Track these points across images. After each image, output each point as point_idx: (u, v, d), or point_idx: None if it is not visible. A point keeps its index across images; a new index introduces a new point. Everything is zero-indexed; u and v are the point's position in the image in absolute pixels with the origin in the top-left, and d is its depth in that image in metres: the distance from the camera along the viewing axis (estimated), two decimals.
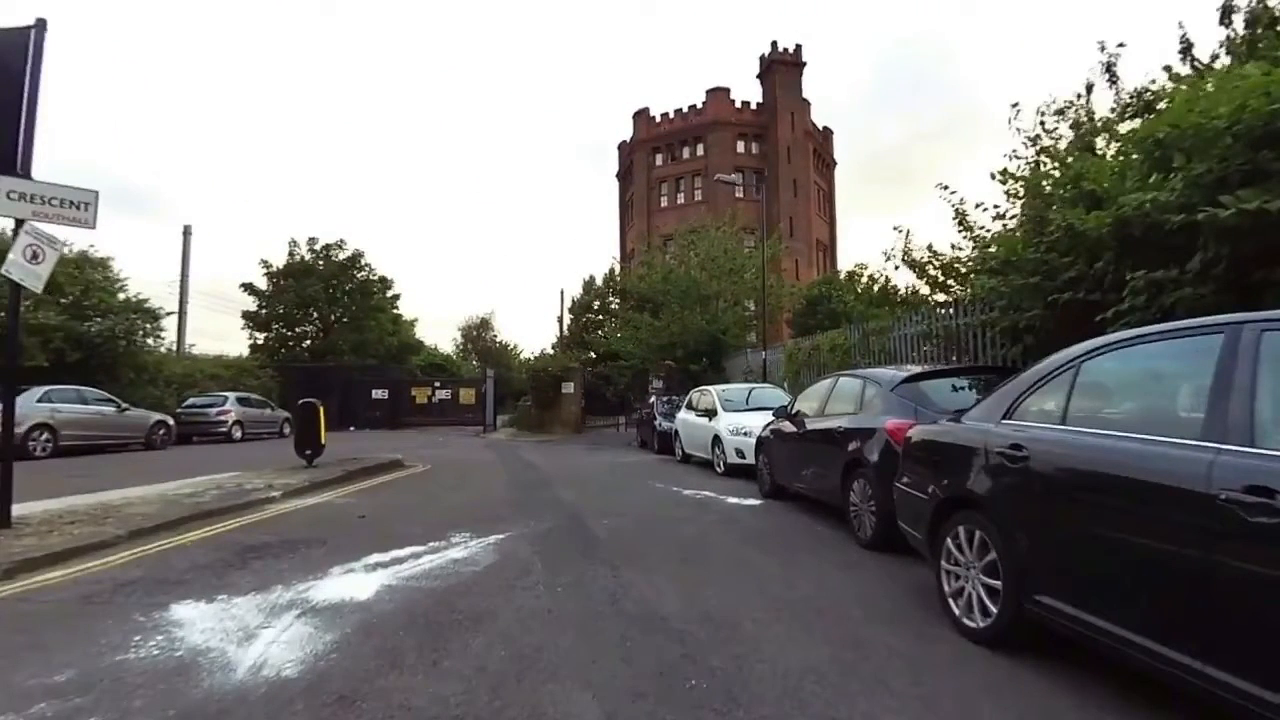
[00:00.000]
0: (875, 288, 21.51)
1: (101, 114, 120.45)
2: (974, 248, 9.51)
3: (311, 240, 34.92)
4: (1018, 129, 9.40)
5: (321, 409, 11.07)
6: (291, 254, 34.63)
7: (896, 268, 10.76)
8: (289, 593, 4.29)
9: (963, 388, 5.94)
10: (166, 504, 7.26)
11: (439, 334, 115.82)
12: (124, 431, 17.01)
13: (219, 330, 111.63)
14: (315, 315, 35.22)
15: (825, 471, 6.89)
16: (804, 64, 53.13)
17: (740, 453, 11.05)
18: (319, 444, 10.90)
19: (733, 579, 4.74)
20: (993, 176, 8.48)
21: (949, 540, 3.86)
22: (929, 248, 9.88)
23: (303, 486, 8.75)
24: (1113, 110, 8.81)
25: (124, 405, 17.01)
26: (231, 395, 21.91)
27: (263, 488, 8.40)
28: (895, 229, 11.07)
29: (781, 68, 51.90)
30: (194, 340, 41.46)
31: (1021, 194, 7.71)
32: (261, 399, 24.02)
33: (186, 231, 35.03)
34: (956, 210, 10.25)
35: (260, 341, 34.48)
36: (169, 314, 21.48)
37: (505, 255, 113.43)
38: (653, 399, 19.26)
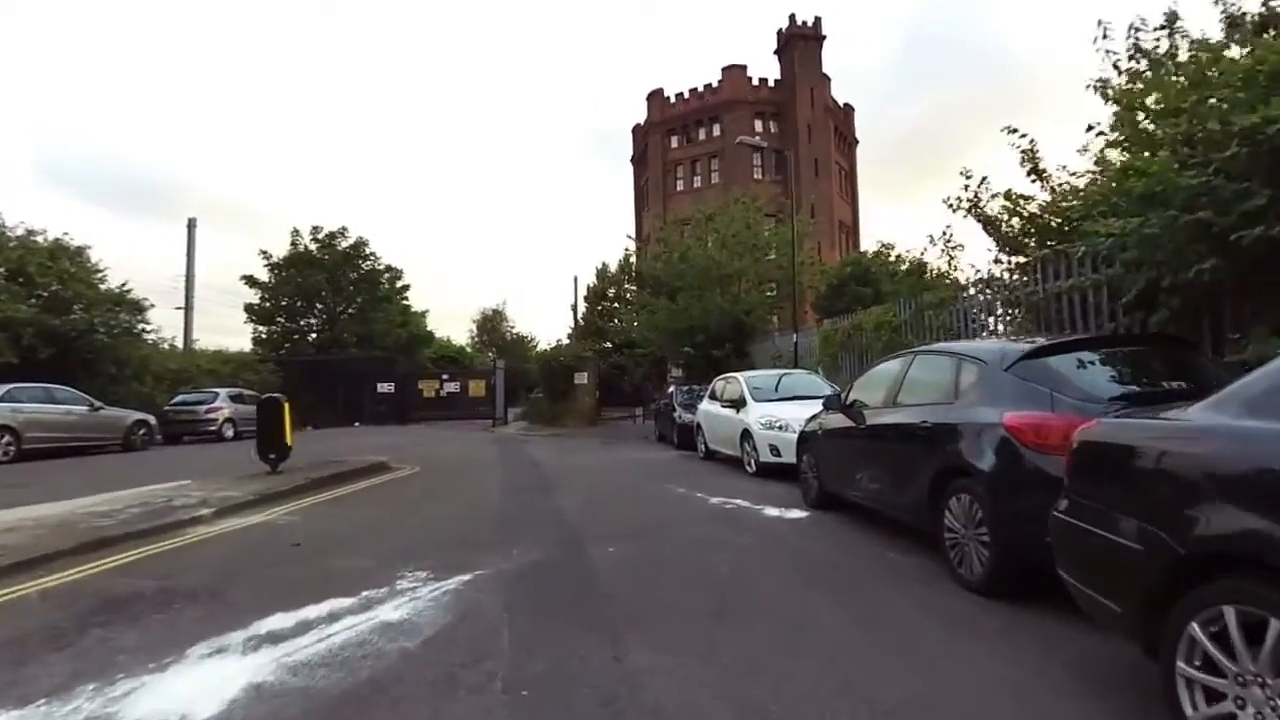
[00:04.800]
0: (904, 268, 19.48)
1: (106, 111, 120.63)
2: (1056, 198, 7.80)
3: (315, 229, 33.56)
4: (1107, 51, 7.65)
5: (287, 405, 9.55)
6: (294, 243, 33.30)
7: (960, 214, 8.89)
8: (96, 700, 2.71)
9: (1113, 366, 4.22)
10: (58, 528, 5.75)
11: (455, 327, 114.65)
12: (98, 432, 15.70)
13: (228, 325, 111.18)
14: (320, 307, 33.92)
15: (901, 481, 5.21)
16: (824, 37, 51.01)
17: (775, 450, 9.40)
18: (284, 446, 9.38)
19: (794, 656, 3.10)
20: (1095, 88, 6.83)
21: (1196, 626, 2.18)
22: (1009, 195, 8.11)
23: (248, 500, 7.22)
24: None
25: (97, 404, 15.68)
26: (223, 391, 20.57)
27: (195, 503, 6.88)
28: (963, 174, 9.23)
29: (800, 42, 49.88)
30: (204, 335, 40.54)
31: (1150, 104, 5.92)
32: (257, 394, 22.68)
33: (191, 224, 33.88)
34: (1027, 155, 8.55)
35: (264, 335, 33.22)
36: (151, 305, 20.13)
37: (520, 246, 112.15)
38: (671, 389, 17.71)
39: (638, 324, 25.93)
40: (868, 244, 46.19)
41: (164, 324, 41.55)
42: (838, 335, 13.26)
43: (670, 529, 6.13)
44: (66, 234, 18.91)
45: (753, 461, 9.91)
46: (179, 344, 29.91)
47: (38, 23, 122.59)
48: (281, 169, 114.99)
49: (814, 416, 7.54)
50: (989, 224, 8.90)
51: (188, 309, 33.04)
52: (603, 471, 10.96)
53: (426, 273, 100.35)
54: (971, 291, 9.53)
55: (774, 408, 10.06)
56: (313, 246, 33.40)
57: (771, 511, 6.87)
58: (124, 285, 19.63)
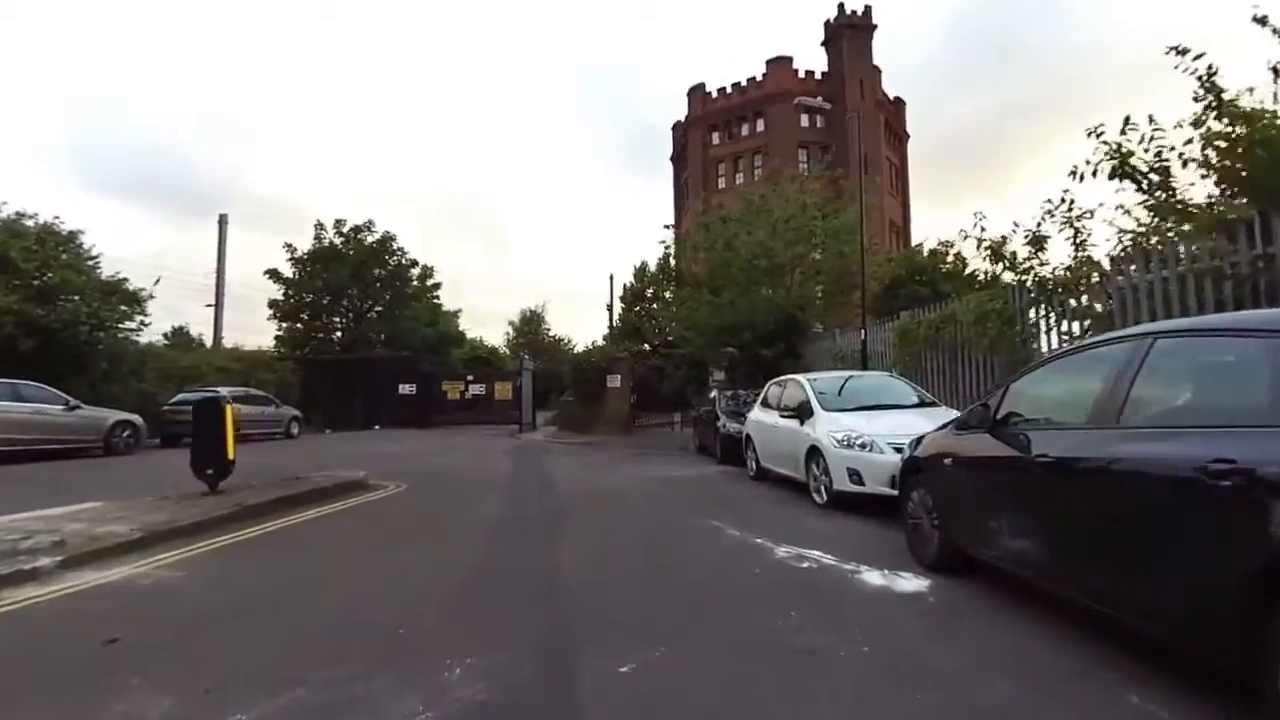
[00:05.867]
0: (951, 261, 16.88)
1: (159, 113, 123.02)
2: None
3: (339, 222, 32.06)
4: None
5: (229, 410, 7.57)
6: (318, 237, 31.87)
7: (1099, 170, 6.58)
8: None
9: None
10: None
11: (496, 329, 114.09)
12: (74, 434, 14.12)
13: (262, 324, 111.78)
14: (345, 304, 32.41)
15: (1142, 566, 2.89)
16: (874, 27, 48.30)
17: (855, 475, 7.12)
18: (225, 461, 7.41)
19: None
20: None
21: None
22: (1199, 122, 5.78)
23: (131, 540, 5.21)
24: None
25: (74, 403, 14.11)
26: (225, 390, 18.98)
27: (52, 545, 4.89)
28: (1089, 132, 6.91)
29: (849, 32, 47.40)
30: (239, 334, 39.68)
31: None
32: (264, 395, 21.10)
33: (222, 221, 32.85)
34: (1206, 82, 6.27)
35: (286, 333, 31.81)
36: (150, 297, 18.55)
37: (561, 249, 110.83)
38: (714, 393, 15.45)
39: (675, 322, 23.67)
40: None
41: (194, 321, 40.76)
42: (921, 329, 10.83)
43: (722, 615, 3.88)
44: (57, 218, 17.48)
45: (823, 489, 7.63)
46: (205, 339, 28.77)
47: (76, 35, 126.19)
48: (328, 171, 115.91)
49: (922, 437, 5.27)
50: (1147, 179, 6.56)
51: (218, 306, 31.95)
52: (630, 497, 8.76)
53: (469, 275, 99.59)
54: (1128, 268, 7.08)
55: (851, 420, 7.76)
56: (337, 241, 31.93)
57: (873, 578, 4.56)
58: (117, 274, 18.12)
